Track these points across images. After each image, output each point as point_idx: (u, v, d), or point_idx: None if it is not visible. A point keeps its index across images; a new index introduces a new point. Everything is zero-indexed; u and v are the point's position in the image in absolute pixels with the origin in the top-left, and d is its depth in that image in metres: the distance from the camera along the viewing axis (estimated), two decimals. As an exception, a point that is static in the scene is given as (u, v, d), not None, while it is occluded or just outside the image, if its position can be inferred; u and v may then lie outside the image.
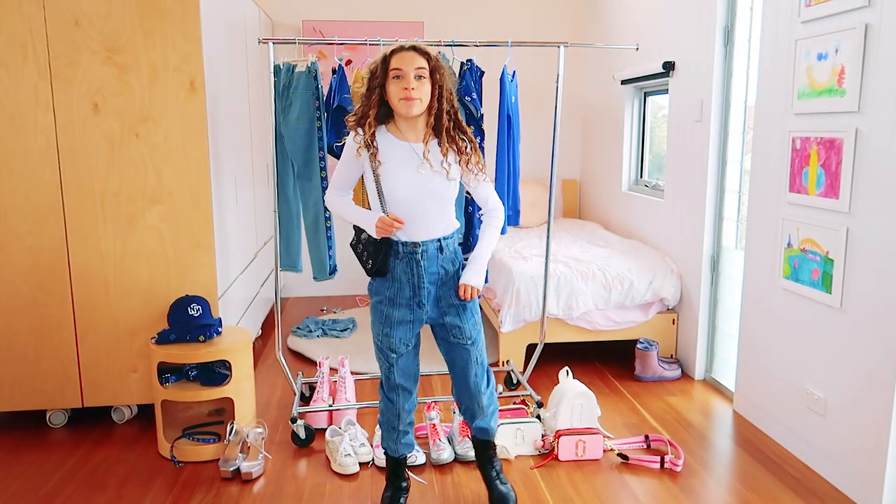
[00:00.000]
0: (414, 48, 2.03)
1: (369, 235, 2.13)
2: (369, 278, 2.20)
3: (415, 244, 2.09)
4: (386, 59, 2.03)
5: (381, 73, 2.03)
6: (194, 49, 2.80)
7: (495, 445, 2.45)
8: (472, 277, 2.14)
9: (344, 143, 2.18)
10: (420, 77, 2.00)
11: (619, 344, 3.99)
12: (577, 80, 5.35)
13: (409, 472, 2.45)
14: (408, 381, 2.24)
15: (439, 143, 2.09)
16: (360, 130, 2.09)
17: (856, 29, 2.35)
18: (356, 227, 2.21)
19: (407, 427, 2.31)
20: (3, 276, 2.85)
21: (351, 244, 2.25)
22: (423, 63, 2.01)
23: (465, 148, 2.11)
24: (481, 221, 2.26)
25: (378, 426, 2.35)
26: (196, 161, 2.87)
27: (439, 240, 2.12)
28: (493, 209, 2.22)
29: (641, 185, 4.47)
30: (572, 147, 5.48)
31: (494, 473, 2.40)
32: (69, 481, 2.58)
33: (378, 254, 2.09)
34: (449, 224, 2.15)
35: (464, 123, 2.14)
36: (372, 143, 2.06)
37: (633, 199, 4.41)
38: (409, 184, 2.06)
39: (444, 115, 2.07)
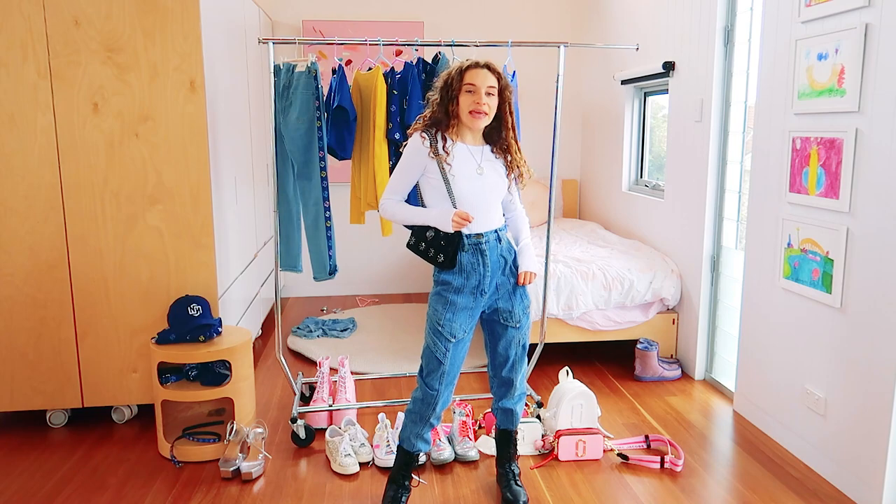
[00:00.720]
0: (487, 66, 2.22)
1: (437, 232, 2.25)
2: (435, 270, 2.33)
3: (478, 235, 2.26)
4: (461, 73, 2.22)
5: (456, 86, 2.21)
6: (194, 49, 2.80)
7: (517, 444, 2.53)
8: (532, 264, 2.37)
9: (403, 147, 2.33)
10: (489, 94, 2.21)
11: (619, 344, 4.00)
12: (577, 80, 5.35)
13: (413, 473, 2.46)
14: (454, 371, 2.30)
15: (493, 150, 2.32)
16: (425, 135, 2.25)
17: (856, 29, 2.35)
18: (414, 228, 2.32)
19: (434, 421, 2.34)
20: (3, 276, 2.85)
21: (409, 245, 2.34)
22: (494, 82, 2.21)
23: (513, 162, 2.33)
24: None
25: (404, 416, 2.40)
26: (196, 161, 2.87)
27: (497, 231, 2.31)
28: (522, 212, 2.49)
29: (641, 185, 4.47)
30: (572, 147, 5.48)
31: (512, 476, 2.46)
32: (69, 481, 2.58)
33: (450, 247, 2.24)
34: (501, 217, 2.36)
35: (518, 142, 2.35)
36: (445, 147, 2.24)
37: (633, 199, 4.41)
38: (473, 182, 2.25)
39: (506, 129, 2.30)
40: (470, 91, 2.19)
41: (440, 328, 2.25)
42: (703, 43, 3.42)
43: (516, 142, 2.34)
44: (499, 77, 2.23)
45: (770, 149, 2.87)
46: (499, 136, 2.30)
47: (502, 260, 2.32)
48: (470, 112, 2.20)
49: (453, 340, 2.25)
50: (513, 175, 2.36)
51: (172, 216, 2.89)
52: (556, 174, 4.43)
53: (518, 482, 2.45)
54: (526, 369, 2.51)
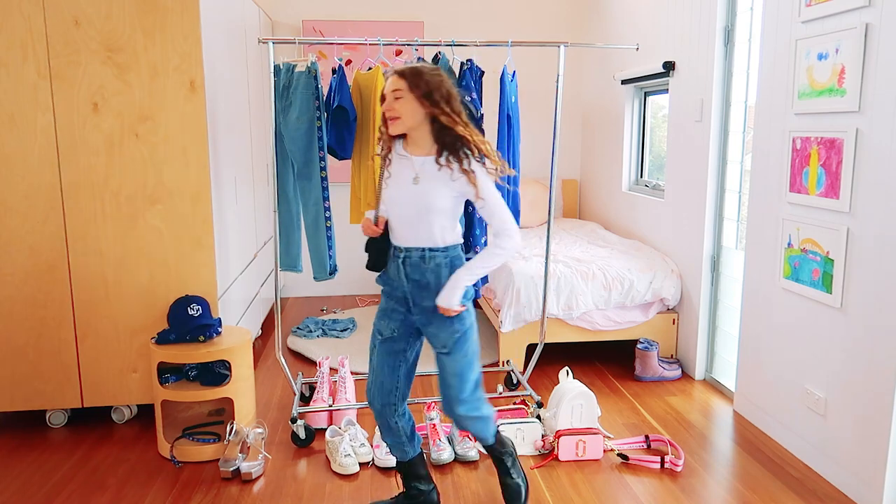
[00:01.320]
0: (396, 72, 2.13)
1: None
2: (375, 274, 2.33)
3: (399, 249, 2.20)
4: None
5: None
6: (194, 49, 2.80)
7: (502, 445, 2.37)
8: (443, 298, 2.12)
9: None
10: (397, 98, 2.10)
11: (619, 344, 4.00)
12: (577, 80, 5.35)
13: (415, 482, 2.37)
14: (382, 375, 2.23)
15: (442, 158, 2.11)
16: (380, 141, 2.26)
17: (856, 29, 2.35)
18: None
19: (391, 422, 2.26)
20: (3, 276, 2.85)
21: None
22: (401, 85, 2.10)
23: (465, 165, 2.11)
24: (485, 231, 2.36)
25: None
26: (196, 161, 2.87)
27: (423, 249, 2.15)
28: (498, 233, 2.14)
29: (641, 185, 4.47)
30: (572, 147, 5.48)
31: (504, 468, 2.37)
32: (69, 481, 2.58)
33: (372, 252, 2.26)
34: (438, 238, 2.14)
35: (470, 137, 2.10)
36: (387, 155, 2.23)
37: (634, 199, 4.41)
38: (402, 193, 2.15)
39: (452, 125, 2.09)
40: (384, 99, 2.16)
41: (375, 321, 2.29)
42: (703, 43, 3.42)
43: (474, 133, 2.11)
44: (409, 80, 2.08)
45: (770, 149, 2.87)
46: (450, 137, 2.10)
47: (424, 280, 2.15)
48: (383, 120, 2.17)
49: (380, 337, 2.25)
50: (469, 184, 2.10)
51: (172, 216, 2.89)
52: (556, 174, 4.43)
53: (513, 473, 2.35)
54: (476, 397, 2.23)
